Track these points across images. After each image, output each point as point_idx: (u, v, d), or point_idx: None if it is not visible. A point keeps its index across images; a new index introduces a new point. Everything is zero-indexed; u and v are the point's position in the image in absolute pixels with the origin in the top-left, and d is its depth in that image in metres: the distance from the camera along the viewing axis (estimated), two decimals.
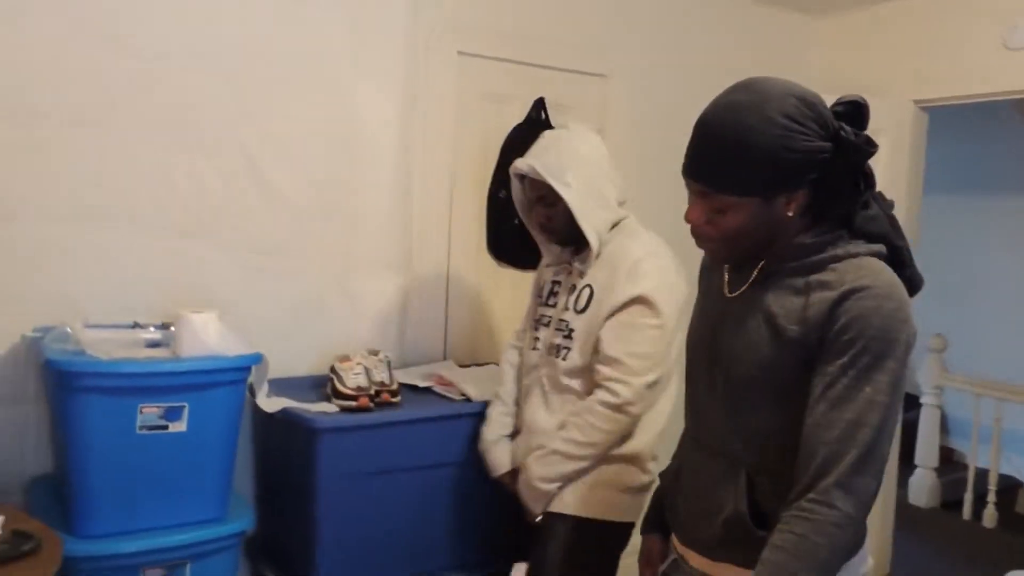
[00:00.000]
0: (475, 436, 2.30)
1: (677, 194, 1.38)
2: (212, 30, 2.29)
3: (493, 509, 2.36)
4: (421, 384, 2.49)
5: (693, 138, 1.20)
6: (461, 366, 2.72)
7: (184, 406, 1.85)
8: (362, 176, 2.59)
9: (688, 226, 1.26)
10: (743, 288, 1.26)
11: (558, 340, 2.00)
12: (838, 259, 1.17)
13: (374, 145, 2.60)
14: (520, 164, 2.00)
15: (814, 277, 1.17)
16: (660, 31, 3.14)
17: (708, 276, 1.42)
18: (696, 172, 1.20)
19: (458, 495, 2.30)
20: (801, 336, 1.15)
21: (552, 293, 2.09)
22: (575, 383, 1.96)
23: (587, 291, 1.96)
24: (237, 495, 2.12)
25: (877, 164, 3.27)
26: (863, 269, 1.15)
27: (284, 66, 2.41)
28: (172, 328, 2.01)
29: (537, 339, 2.08)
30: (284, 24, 2.40)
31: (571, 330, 1.97)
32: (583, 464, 1.91)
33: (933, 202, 4.77)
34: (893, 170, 3.23)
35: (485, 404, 2.28)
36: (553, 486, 1.92)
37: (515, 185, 2.12)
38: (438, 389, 2.47)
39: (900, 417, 1.20)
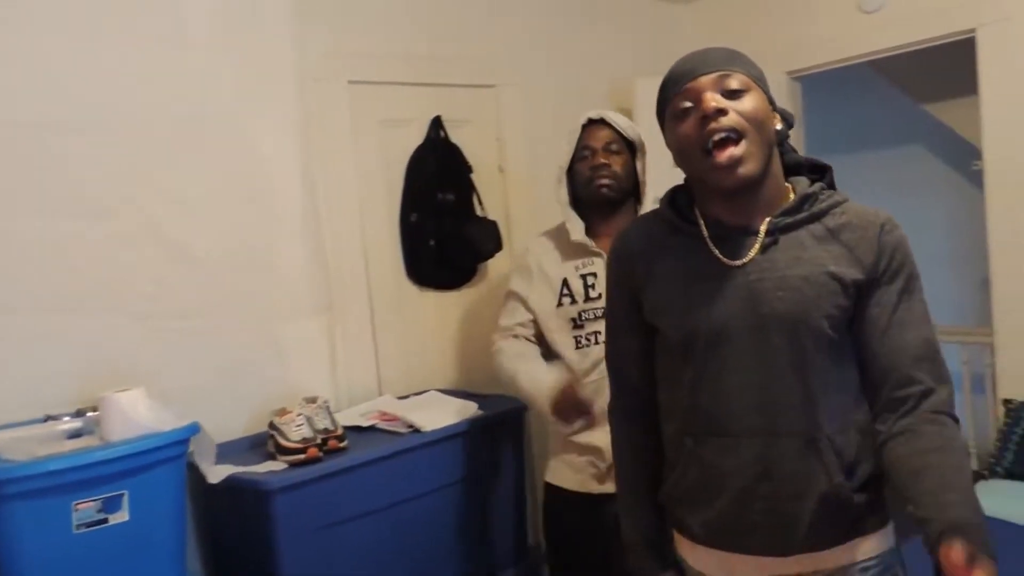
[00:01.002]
0: (432, 467, 2.26)
1: None
2: (88, 90, 2.14)
3: (468, 531, 2.33)
4: (364, 424, 2.41)
5: (685, 62, 1.25)
6: (400, 398, 2.65)
7: (123, 494, 1.71)
8: (269, 221, 2.48)
9: None
10: (752, 252, 1.22)
11: None
12: (837, 204, 1.26)
13: (277, 187, 2.49)
14: (604, 112, 2.15)
15: (830, 223, 1.24)
16: (540, 35, 3.16)
17: (658, 260, 1.31)
18: (709, 64, 1.21)
19: (427, 526, 2.24)
20: (863, 277, 1.21)
21: (590, 286, 2.11)
22: None
23: None
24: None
25: None
26: (870, 209, 1.26)
27: (173, 119, 2.28)
28: (91, 414, 1.87)
29: (597, 332, 2.08)
30: (167, 76, 2.27)
31: None
32: None
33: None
34: None
35: (439, 431, 2.27)
36: None
37: (571, 138, 2.17)
38: (382, 425, 2.40)
39: None
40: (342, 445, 2.16)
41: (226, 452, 2.21)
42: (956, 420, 1.19)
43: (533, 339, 2.22)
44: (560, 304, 2.15)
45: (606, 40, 3.35)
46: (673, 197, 1.35)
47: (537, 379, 2.04)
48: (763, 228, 1.23)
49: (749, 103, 1.19)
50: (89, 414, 1.87)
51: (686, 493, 1.29)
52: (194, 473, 2.04)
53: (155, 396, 2.17)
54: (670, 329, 1.29)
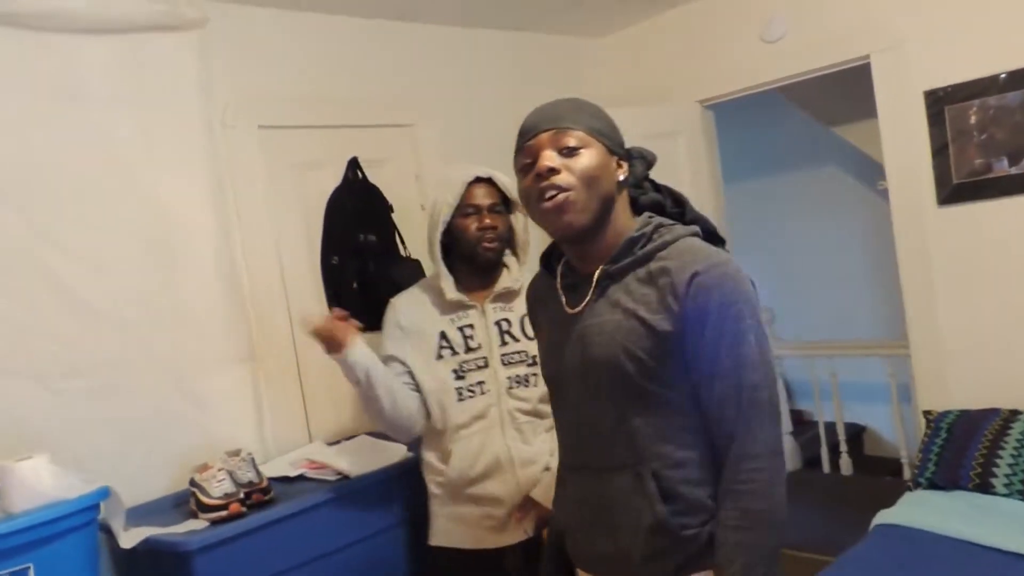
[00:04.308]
0: (362, 513, 2.21)
1: None
2: None
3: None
4: (292, 473, 2.35)
5: (532, 116, 1.30)
6: (330, 444, 2.60)
7: (28, 567, 1.63)
8: (184, 272, 2.42)
9: None
10: (587, 299, 1.30)
11: (522, 371, 2.08)
12: (665, 245, 1.27)
13: (190, 238, 2.44)
14: (493, 172, 2.12)
15: (653, 265, 1.25)
16: (455, 74, 3.19)
17: (542, 309, 1.45)
18: (549, 120, 1.27)
19: (361, 573, 2.18)
20: (668, 325, 1.21)
21: (468, 337, 2.10)
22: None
23: None
24: None
25: (678, 162, 3.46)
26: (694, 250, 1.24)
27: (73, 173, 2.22)
28: None
29: (481, 383, 2.09)
30: (65, 130, 2.21)
31: (533, 356, 2.06)
32: None
33: (740, 188, 5.16)
34: (693, 166, 3.45)
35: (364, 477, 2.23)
36: None
37: (454, 192, 2.07)
38: (311, 474, 2.34)
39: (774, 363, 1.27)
40: (267, 498, 2.10)
41: (148, 513, 2.13)
42: (775, 459, 1.21)
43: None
44: (440, 356, 2.09)
45: (517, 76, 3.39)
46: (552, 248, 1.44)
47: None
48: (596, 276, 1.30)
49: (582, 161, 1.24)
50: None
51: (564, 523, 1.42)
52: (113, 537, 1.96)
53: (67, 460, 2.09)
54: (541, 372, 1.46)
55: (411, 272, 2.82)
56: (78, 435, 2.16)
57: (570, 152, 1.24)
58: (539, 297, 1.46)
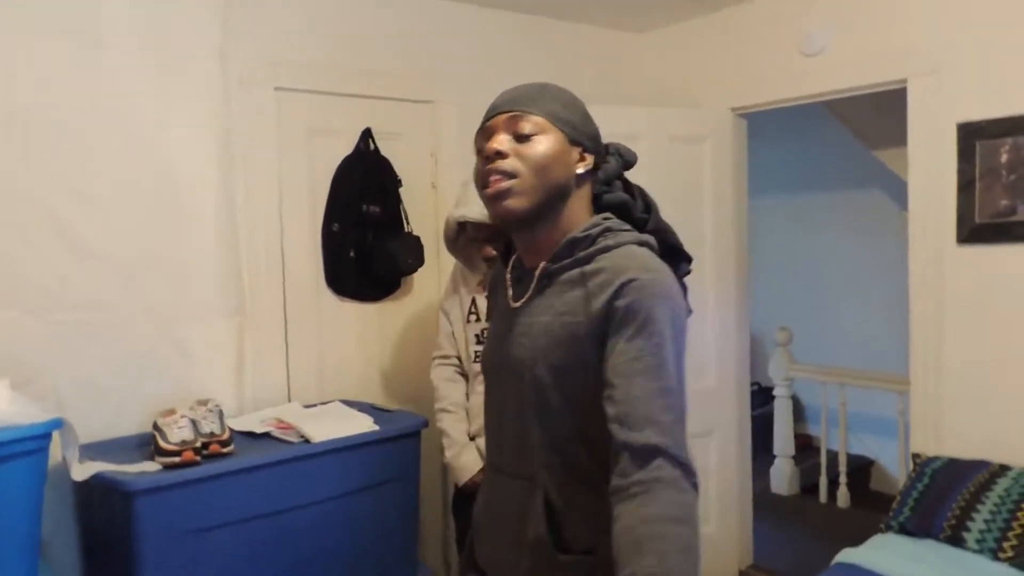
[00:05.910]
0: (317, 478, 2.25)
1: None
2: None
3: (352, 547, 2.31)
4: (259, 430, 2.40)
5: (497, 98, 1.26)
6: (307, 407, 2.64)
7: None
8: (183, 222, 2.49)
9: None
10: (528, 295, 1.26)
11: None
12: (607, 249, 1.20)
13: (193, 190, 2.50)
14: (468, 214, 2.29)
15: (588, 267, 1.19)
16: (481, 55, 3.17)
17: (495, 297, 1.43)
18: (508, 103, 1.22)
19: (308, 538, 2.22)
20: (589, 328, 1.15)
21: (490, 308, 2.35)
22: None
23: None
24: (48, 567, 1.97)
25: (702, 168, 3.37)
26: (634, 257, 1.17)
27: (83, 118, 2.29)
28: None
29: None
30: (79, 74, 2.28)
31: None
32: None
33: (777, 202, 5.03)
34: (718, 174, 3.37)
35: (330, 443, 2.26)
36: None
37: (449, 228, 2.39)
38: (276, 433, 2.38)
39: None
40: (225, 451, 2.15)
41: (113, 449, 2.20)
42: (687, 470, 1.05)
43: (458, 360, 2.46)
44: (468, 321, 2.42)
45: (552, 65, 3.34)
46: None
47: (459, 457, 2.36)
48: (537, 272, 1.25)
49: (535, 148, 1.19)
50: None
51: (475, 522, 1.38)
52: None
53: (45, 390, 2.18)
54: None
55: (408, 247, 2.85)
56: (61, 367, 2.26)
57: (524, 138, 1.19)
58: (495, 285, 1.43)
